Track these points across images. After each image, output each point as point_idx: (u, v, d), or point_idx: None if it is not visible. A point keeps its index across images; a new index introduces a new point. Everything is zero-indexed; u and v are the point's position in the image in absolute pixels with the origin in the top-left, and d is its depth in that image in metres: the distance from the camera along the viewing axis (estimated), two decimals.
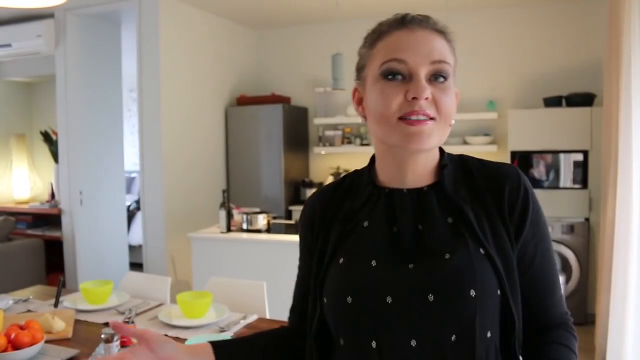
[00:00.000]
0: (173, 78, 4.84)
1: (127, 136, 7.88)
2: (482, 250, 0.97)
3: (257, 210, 4.03)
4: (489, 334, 0.95)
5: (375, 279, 0.97)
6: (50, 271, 5.12)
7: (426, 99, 0.94)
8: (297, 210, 5.41)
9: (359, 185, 1.10)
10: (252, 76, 6.08)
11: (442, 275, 0.94)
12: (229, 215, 3.87)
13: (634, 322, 3.17)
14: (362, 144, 5.54)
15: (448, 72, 0.98)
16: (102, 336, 1.56)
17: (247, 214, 3.91)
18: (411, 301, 0.94)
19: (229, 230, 3.85)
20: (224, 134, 5.64)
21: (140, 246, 5.33)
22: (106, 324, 2.14)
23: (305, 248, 1.16)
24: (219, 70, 5.54)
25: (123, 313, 2.33)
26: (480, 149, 5.10)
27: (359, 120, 5.45)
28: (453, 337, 0.93)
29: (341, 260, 1.02)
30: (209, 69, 5.37)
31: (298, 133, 5.77)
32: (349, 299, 0.97)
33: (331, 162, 5.77)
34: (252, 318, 2.30)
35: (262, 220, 3.89)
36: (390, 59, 0.97)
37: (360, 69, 1.07)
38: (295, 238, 3.63)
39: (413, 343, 0.93)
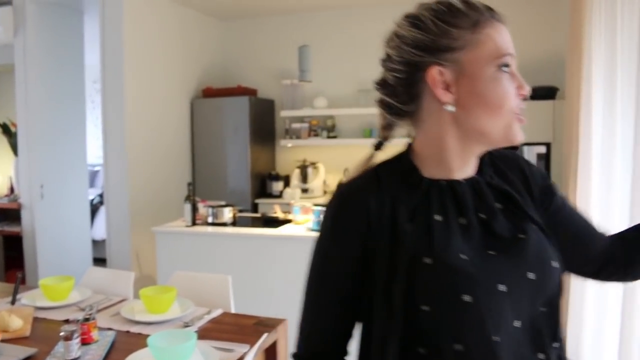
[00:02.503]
0: (137, 69, 4.74)
1: (91, 129, 7.73)
2: (535, 227, 1.00)
3: (223, 203, 3.99)
4: (559, 301, 0.99)
5: (479, 271, 0.91)
6: (9, 268, 5.00)
7: None
8: (263, 203, 5.37)
9: (404, 177, 1.01)
10: (218, 68, 6.01)
11: (530, 253, 0.95)
12: (194, 209, 3.82)
13: (592, 312, 3.23)
14: (328, 137, 5.53)
15: None
16: (61, 334, 1.52)
17: (212, 207, 3.87)
18: (519, 283, 0.93)
19: (194, 223, 3.80)
20: (190, 126, 5.57)
21: (104, 241, 5.22)
22: (66, 321, 2.09)
23: (349, 253, 0.98)
24: (185, 62, 5.45)
25: (84, 309, 2.27)
26: None
27: (326, 112, 5.46)
28: (543, 309, 0.96)
29: (429, 261, 0.91)
30: (174, 60, 5.29)
31: (264, 125, 5.73)
32: (467, 298, 0.88)
33: (298, 155, 5.74)
34: (216, 313, 2.27)
35: (227, 214, 3.84)
36: (507, 53, 0.95)
37: (447, 49, 0.94)
38: (261, 231, 3.59)
39: (517, 324, 0.92)
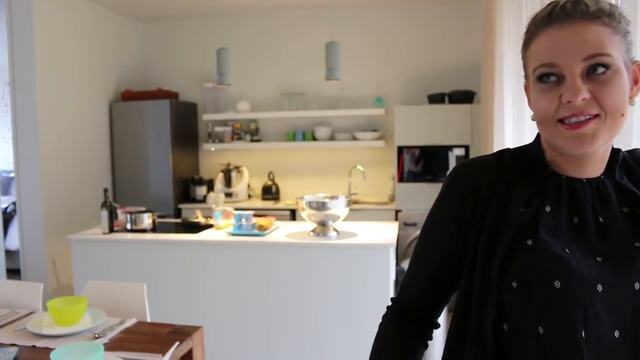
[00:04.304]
0: (51, 70, 4.56)
1: (5, 133, 7.40)
2: None
3: (143, 209, 3.88)
4: None
5: (580, 265, 0.91)
6: None
7: (584, 99, 0.88)
8: (187, 208, 5.29)
9: (528, 165, 1.03)
10: (138, 70, 5.86)
11: None
12: (112, 215, 3.70)
13: None
14: (252, 140, 5.50)
15: (608, 63, 0.89)
16: None
17: (131, 213, 3.76)
18: (621, 290, 0.89)
19: (111, 230, 3.69)
20: (109, 130, 5.40)
21: (19, 251, 4.99)
22: None
23: (454, 219, 1.05)
24: (103, 64, 5.29)
25: None
26: (368, 144, 5.22)
27: (249, 116, 5.43)
28: None
29: (530, 242, 0.94)
30: (91, 62, 5.12)
31: (187, 129, 5.64)
32: (557, 284, 0.90)
33: (221, 159, 5.68)
34: (130, 322, 2.21)
35: (147, 220, 3.75)
36: (541, 64, 0.92)
37: (524, 68, 1.01)
38: (180, 237, 3.53)
39: (616, 334, 0.89)
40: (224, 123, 5.61)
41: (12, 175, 7.04)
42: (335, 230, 3.42)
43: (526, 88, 1.01)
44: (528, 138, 3.19)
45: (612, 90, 0.89)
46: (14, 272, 5.04)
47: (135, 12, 5.53)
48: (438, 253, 1.08)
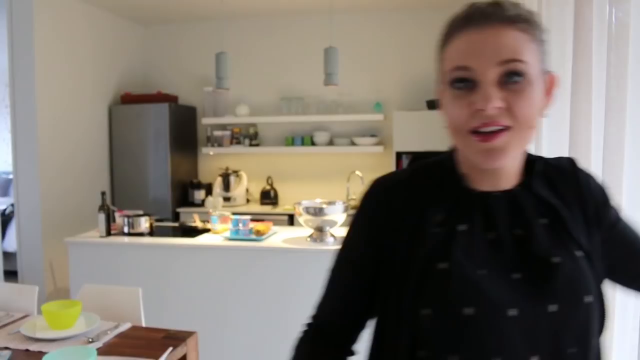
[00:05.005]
0: (50, 73, 4.57)
1: (5, 134, 7.39)
2: (579, 252, 0.92)
3: (140, 212, 3.88)
4: (595, 341, 0.91)
5: (494, 290, 0.87)
6: None
7: (496, 107, 0.84)
8: (185, 212, 5.28)
9: (441, 180, 0.98)
10: (137, 74, 5.87)
11: (558, 283, 0.87)
12: (109, 219, 3.70)
13: None
14: (251, 145, 5.50)
15: (523, 71, 0.85)
16: None
17: (128, 216, 3.76)
18: (534, 313, 0.86)
19: (109, 234, 3.69)
20: (108, 133, 5.41)
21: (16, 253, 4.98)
22: None
23: (368, 240, 0.99)
24: (102, 67, 5.29)
25: None
26: (367, 150, 5.22)
27: (248, 120, 5.44)
28: (572, 350, 0.87)
29: (443, 266, 0.89)
30: (90, 65, 5.12)
31: (186, 133, 5.64)
32: (469, 311, 0.85)
33: (220, 163, 5.68)
34: (124, 327, 2.21)
35: (144, 223, 3.75)
36: (455, 67, 0.88)
37: (439, 72, 0.96)
38: (176, 241, 3.53)
39: (534, 359, 0.86)
40: (223, 127, 5.61)
41: (11, 176, 7.04)
42: (332, 235, 3.42)
43: (439, 94, 0.96)
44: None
45: (526, 101, 0.86)
46: (11, 274, 5.03)
47: (135, 15, 5.54)
48: (350, 275, 1.03)
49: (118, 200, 5.35)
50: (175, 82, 5.83)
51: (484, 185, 0.95)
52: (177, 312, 3.44)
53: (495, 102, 0.83)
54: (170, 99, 5.47)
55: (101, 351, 1.94)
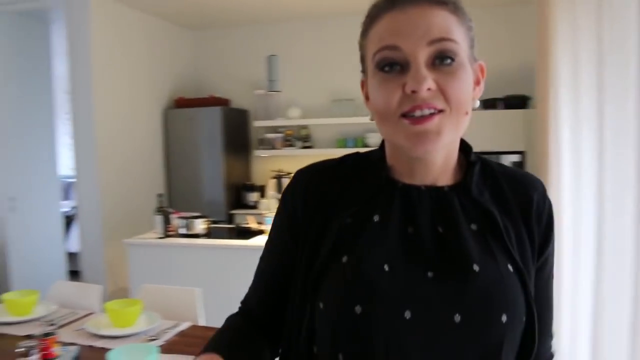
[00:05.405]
0: (107, 80, 4.71)
1: (66, 140, 7.63)
2: (511, 267, 0.85)
3: (196, 214, 3.96)
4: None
5: (391, 288, 0.81)
6: None
7: (429, 89, 0.78)
8: (238, 214, 5.35)
9: (366, 171, 0.94)
10: (190, 78, 5.99)
11: (472, 292, 0.81)
12: (166, 220, 3.79)
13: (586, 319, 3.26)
14: (303, 147, 5.53)
15: (455, 51, 0.80)
16: (16, 350, 1.50)
17: (185, 218, 3.84)
18: (434, 319, 0.80)
19: (166, 235, 3.77)
20: (163, 136, 5.53)
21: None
22: (28, 337, 2.05)
23: (287, 227, 0.96)
24: (156, 72, 5.43)
25: (53, 324, 2.24)
26: None
27: (300, 122, 5.46)
28: None
29: (345, 259, 0.85)
30: (145, 71, 5.26)
31: (238, 136, 5.72)
32: (358, 309, 0.81)
33: (272, 165, 5.72)
34: (184, 326, 2.25)
35: (200, 225, 3.82)
36: (381, 47, 0.82)
37: (362, 61, 0.92)
38: (232, 242, 3.57)
39: None
40: (275, 129, 5.66)
41: (73, 180, 7.29)
42: None
43: (362, 84, 0.92)
44: (585, 142, 3.11)
45: (458, 83, 0.81)
46: (75, 274, 5.22)
47: (186, 21, 5.66)
48: (273, 264, 1.00)
49: (173, 202, 5.46)
50: (226, 86, 5.91)
51: (411, 179, 0.91)
52: (233, 311, 3.48)
53: (428, 82, 0.78)
54: (222, 103, 5.55)
55: (162, 349, 1.98)
